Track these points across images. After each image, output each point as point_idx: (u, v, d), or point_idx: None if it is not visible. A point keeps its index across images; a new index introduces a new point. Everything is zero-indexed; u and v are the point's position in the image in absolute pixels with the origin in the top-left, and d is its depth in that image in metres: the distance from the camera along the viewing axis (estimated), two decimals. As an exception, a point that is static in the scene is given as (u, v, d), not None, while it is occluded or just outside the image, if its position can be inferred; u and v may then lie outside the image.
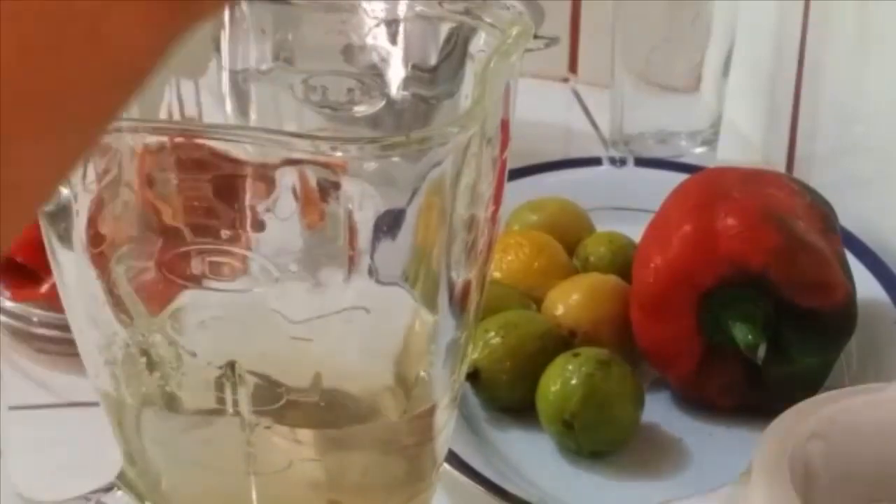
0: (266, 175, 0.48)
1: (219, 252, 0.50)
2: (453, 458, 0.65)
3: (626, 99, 0.95)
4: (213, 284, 0.51)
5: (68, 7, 0.33)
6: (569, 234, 0.81)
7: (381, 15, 0.57)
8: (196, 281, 0.51)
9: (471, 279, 0.53)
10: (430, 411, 0.55)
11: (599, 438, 0.69)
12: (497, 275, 0.77)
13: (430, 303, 0.52)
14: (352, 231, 0.49)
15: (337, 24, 0.57)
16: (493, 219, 0.54)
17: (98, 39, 0.33)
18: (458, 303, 0.53)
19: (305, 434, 0.54)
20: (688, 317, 0.70)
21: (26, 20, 0.32)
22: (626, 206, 0.87)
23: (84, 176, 0.49)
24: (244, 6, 0.57)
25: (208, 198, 0.49)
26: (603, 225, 0.83)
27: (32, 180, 0.33)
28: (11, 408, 0.57)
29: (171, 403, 0.54)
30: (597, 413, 0.69)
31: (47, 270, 0.56)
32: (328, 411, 0.53)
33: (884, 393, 0.57)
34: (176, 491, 0.56)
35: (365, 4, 0.57)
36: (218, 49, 0.57)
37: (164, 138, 0.48)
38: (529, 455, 0.70)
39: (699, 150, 0.95)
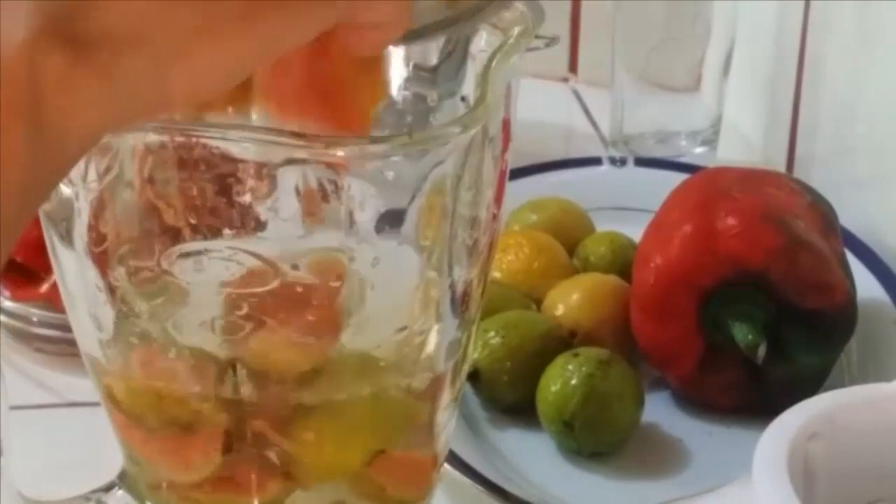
0: (267, 174, 0.48)
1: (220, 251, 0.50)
2: (453, 458, 0.65)
3: (626, 99, 0.95)
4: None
5: None
6: (569, 234, 0.81)
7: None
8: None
9: (472, 279, 0.53)
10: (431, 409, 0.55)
11: (599, 439, 0.69)
12: (497, 275, 0.77)
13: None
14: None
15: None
16: (495, 219, 0.54)
17: None
18: (460, 303, 0.53)
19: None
20: (688, 317, 0.71)
21: None
22: (626, 206, 0.87)
23: (85, 175, 0.49)
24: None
25: (209, 197, 0.49)
26: (603, 225, 0.83)
27: None
28: (12, 408, 0.57)
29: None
30: (597, 413, 0.69)
31: (47, 270, 0.56)
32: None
33: (884, 393, 0.57)
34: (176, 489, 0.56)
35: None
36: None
37: (166, 137, 0.48)
38: (529, 455, 0.70)
39: (699, 150, 0.95)
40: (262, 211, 0.49)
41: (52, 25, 0.36)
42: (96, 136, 0.38)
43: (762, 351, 0.69)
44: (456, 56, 0.55)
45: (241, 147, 0.47)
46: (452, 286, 0.52)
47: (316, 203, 0.48)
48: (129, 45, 0.38)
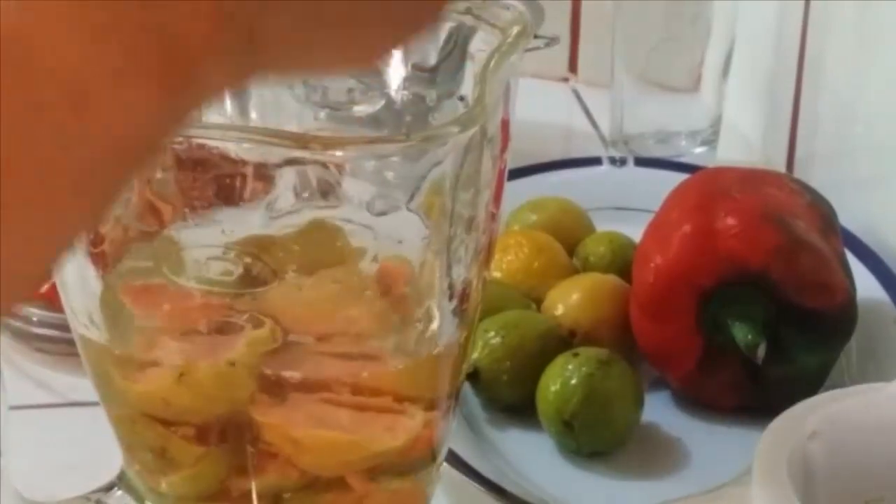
0: (266, 175, 0.48)
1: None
2: (453, 458, 0.65)
3: (626, 99, 0.95)
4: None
5: (47, 69, 0.31)
6: (569, 234, 0.81)
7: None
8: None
9: (471, 279, 0.53)
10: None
11: (599, 438, 0.69)
12: (497, 275, 0.77)
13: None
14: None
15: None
16: (494, 219, 0.54)
17: (83, 107, 0.31)
18: (459, 302, 0.53)
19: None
20: (688, 317, 0.70)
21: None
22: (626, 206, 0.87)
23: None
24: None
25: (208, 197, 0.49)
26: (603, 225, 0.83)
27: (20, 256, 0.31)
28: (12, 408, 0.57)
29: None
30: (597, 413, 0.69)
31: (47, 270, 0.56)
32: None
33: (883, 393, 0.57)
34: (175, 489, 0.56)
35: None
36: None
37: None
38: (529, 455, 0.70)
39: (699, 150, 0.95)
40: (260, 211, 0.49)
41: None
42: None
43: (762, 351, 0.69)
44: (455, 56, 0.55)
45: (240, 147, 0.47)
46: (451, 286, 0.52)
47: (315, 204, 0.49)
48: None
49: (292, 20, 0.36)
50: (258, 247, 0.50)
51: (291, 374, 0.51)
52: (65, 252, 0.33)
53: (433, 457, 0.57)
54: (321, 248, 0.51)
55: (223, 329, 0.51)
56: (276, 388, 0.51)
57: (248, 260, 0.50)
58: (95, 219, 0.34)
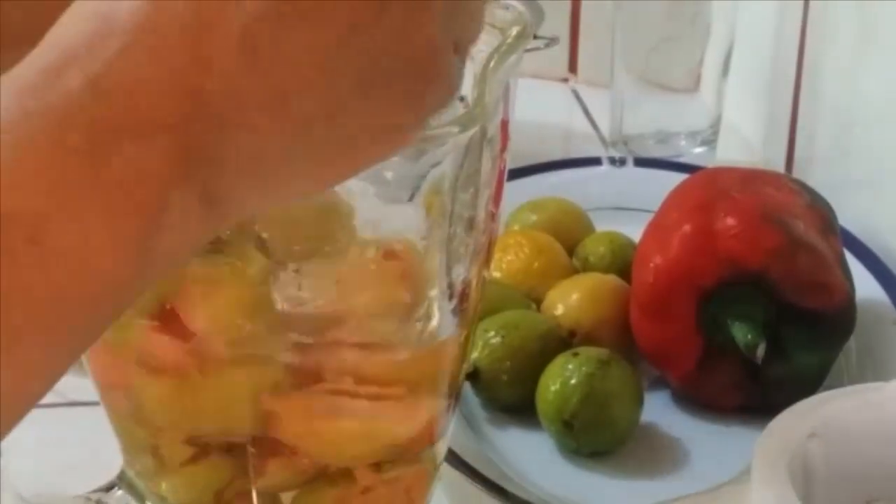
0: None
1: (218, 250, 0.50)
2: (453, 458, 0.65)
3: (625, 99, 0.95)
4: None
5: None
6: (569, 234, 0.81)
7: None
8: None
9: (471, 279, 0.53)
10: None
11: (599, 438, 0.69)
12: (497, 275, 0.77)
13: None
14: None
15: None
16: (493, 219, 0.54)
17: (40, 237, 0.31)
18: (459, 302, 0.53)
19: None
20: (688, 317, 0.71)
21: None
22: (626, 206, 0.87)
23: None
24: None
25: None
26: (603, 225, 0.83)
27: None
28: (12, 407, 0.57)
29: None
30: (596, 413, 0.69)
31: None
32: None
33: (882, 393, 0.57)
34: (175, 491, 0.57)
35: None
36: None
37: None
38: (529, 455, 0.70)
39: (698, 150, 0.95)
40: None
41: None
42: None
43: (761, 351, 0.69)
44: (455, 56, 0.55)
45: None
46: (451, 286, 0.52)
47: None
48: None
49: (258, 147, 0.37)
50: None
51: (301, 365, 0.51)
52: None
53: (433, 456, 0.57)
54: (329, 229, 0.51)
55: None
56: (286, 379, 0.51)
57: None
58: (71, 358, 0.35)
